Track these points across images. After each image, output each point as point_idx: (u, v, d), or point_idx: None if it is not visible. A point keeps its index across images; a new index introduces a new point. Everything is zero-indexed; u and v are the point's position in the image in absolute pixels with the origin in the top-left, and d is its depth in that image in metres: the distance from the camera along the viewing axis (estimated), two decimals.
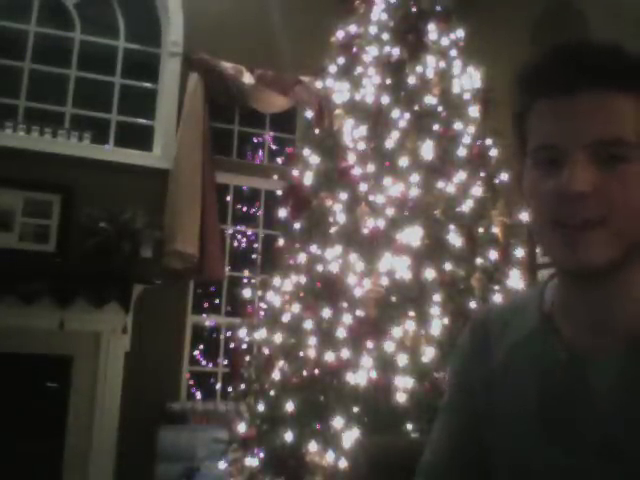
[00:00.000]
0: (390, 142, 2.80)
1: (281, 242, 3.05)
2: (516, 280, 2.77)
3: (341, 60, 3.16)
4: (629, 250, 0.69)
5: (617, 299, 0.72)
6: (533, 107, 0.74)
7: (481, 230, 2.80)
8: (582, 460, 0.69)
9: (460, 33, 3.15)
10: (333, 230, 2.76)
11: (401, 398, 2.31)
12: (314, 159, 2.99)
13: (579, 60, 0.71)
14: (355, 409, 2.37)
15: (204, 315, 4.37)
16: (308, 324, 2.63)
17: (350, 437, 2.28)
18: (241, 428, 2.77)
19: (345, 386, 2.41)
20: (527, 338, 0.78)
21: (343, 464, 2.28)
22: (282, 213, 3.00)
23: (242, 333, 3.00)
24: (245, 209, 4.64)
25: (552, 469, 0.71)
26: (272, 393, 2.72)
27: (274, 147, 4.74)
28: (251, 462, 2.66)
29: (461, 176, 2.82)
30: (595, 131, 0.68)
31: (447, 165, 2.82)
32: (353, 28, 3.18)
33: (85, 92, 4.33)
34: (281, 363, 2.75)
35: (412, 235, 2.58)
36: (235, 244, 4.57)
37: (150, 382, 3.92)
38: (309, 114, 3.29)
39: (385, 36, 3.06)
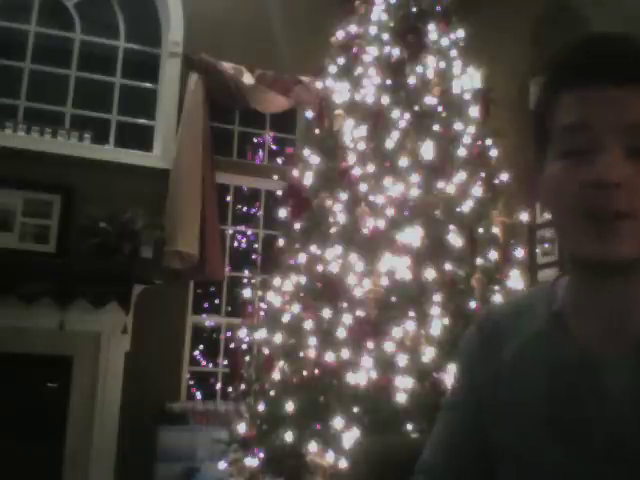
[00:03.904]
0: (390, 142, 2.80)
1: (281, 242, 3.05)
2: (516, 280, 2.77)
3: (341, 60, 3.17)
4: None
5: (635, 299, 0.71)
6: (561, 97, 0.72)
7: (481, 230, 2.80)
8: (589, 460, 0.69)
9: (460, 33, 3.15)
10: (333, 230, 2.76)
11: (401, 398, 2.32)
12: (314, 159, 2.99)
13: (615, 53, 0.69)
14: (355, 409, 2.37)
15: (204, 315, 4.37)
16: (308, 324, 2.63)
17: (350, 437, 2.28)
18: (241, 428, 2.77)
19: (345, 386, 2.42)
20: (537, 336, 0.77)
21: (343, 464, 2.28)
22: (282, 213, 3.01)
23: (242, 333, 3.01)
24: (245, 209, 4.64)
25: (559, 469, 0.71)
26: (272, 393, 2.72)
27: (274, 147, 4.73)
28: (251, 462, 2.66)
29: (461, 176, 2.82)
30: (630, 116, 0.68)
31: (447, 165, 2.82)
32: (353, 28, 3.18)
33: (85, 92, 4.33)
34: (281, 363, 2.75)
35: (412, 235, 2.58)
36: (235, 244, 4.57)
37: (150, 382, 3.91)
38: (309, 114, 3.29)
39: (385, 36, 3.06)
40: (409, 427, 2.29)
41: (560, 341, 0.75)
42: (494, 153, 3.00)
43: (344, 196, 2.79)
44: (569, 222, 0.70)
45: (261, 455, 2.64)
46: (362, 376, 2.39)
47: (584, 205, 0.68)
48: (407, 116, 2.87)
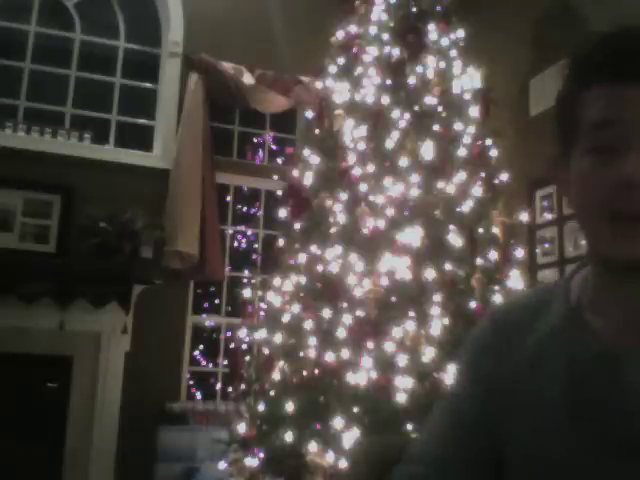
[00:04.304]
0: (390, 142, 2.80)
1: (281, 242, 3.05)
2: (516, 280, 2.77)
3: (341, 60, 3.16)
4: None
5: None
6: (591, 92, 0.70)
7: (481, 230, 2.80)
8: (608, 455, 0.67)
9: (460, 33, 3.15)
10: (333, 230, 2.76)
11: (401, 398, 2.32)
12: (314, 159, 2.99)
13: None
14: (355, 409, 2.37)
15: (204, 315, 4.37)
16: (308, 324, 2.63)
17: (350, 437, 2.28)
18: (241, 428, 2.77)
19: (345, 386, 2.42)
20: (554, 331, 0.76)
21: (343, 464, 2.28)
22: (282, 213, 3.00)
23: (242, 333, 3.00)
24: (245, 209, 4.64)
25: (576, 464, 0.69)
26: (272, 393, 2.72)
27: (274, 147, 4.74)
28: (251, 462, 2.66)
29: (461, 176, 2.82)
30: None
31: (447, 165, 2.82)
32: (353, 28, 3.18)
33: (85, 92, 4.33)
34: (281, 363, 2.75)
35: (412, 235, 2.58)
36: (235, 244, 4.57)
37: (150, 382, 3.92)
38: (309, 114, 3.29)
39: (385, 36, 3.06)
40: (409, 427, 2.29)
41: (578, 336, 0.73)
42: (494, 153, 3.00)
43: (344, 196, 2.78)
44: (596, 221, 0.69)
45: (261, 455, 2.64)
46: (362, 376, 2.39)
47: (612, 205, 0.67)
48: (407, 116, 2.87)
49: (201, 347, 4.35)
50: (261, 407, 2.74)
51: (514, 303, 0.89)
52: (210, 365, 4.35)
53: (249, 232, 4.60)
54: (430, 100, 2.92)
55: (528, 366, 0.77)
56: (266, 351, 2.86)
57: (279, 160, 4.58)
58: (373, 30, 3.09)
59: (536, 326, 0.79)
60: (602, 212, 0.68)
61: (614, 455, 0.67)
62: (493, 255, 2.77)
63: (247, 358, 3.06)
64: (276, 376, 2.74)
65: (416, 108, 2.91)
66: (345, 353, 2.47)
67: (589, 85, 0.70)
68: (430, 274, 2.54)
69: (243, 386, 2.97)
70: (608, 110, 0.68)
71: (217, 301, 4.45)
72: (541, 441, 0.72)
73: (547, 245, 3.63)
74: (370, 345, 2.45)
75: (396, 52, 3.01)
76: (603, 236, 0.69)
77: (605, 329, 0.72)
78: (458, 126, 2.94)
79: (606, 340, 0.71)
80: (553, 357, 0.75)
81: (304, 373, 2.61)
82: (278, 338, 2.77)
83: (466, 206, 2.78)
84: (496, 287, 2.71)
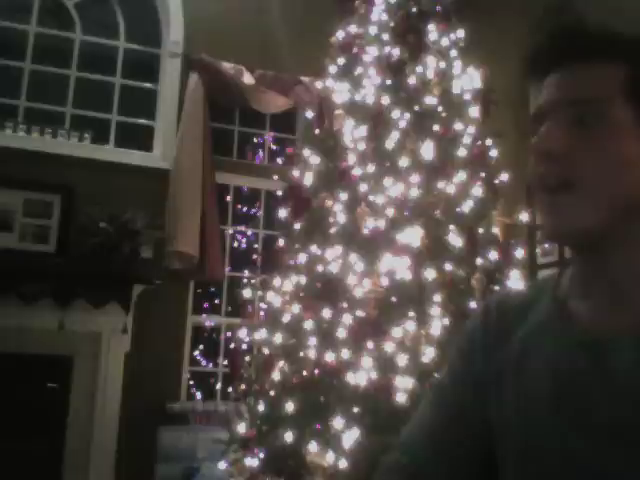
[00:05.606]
0: (390, 142, 2.80)
1: (281, 242, 3.05)
2: (516, 280, 2.77)
3: (341, 60, 3.16)
4: (620, 216, 0.68)
5: (627, 270, 0.70)
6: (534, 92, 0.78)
7: (481, 230, 2.80)
8: (596, 444, 0.67)
9: (460, 33, 3.15)
10: (333, 230, 2.76)
11: (401, 398, 2.31)
12: (314, 159, 2.99)
13: (558, 41, 0.75)
14: (355, 409, 2.37)
15: (204, 315, 4.37)
16: (308, 324, 2.63)
17: (350, 437, 2.28)
18: (241, 428, 2.77)
19: (345, 386, 2.41)
20: (542, 323, 0.77)
21: (343, 464, 2.28)
22: (282, 213, 3.00)
23: (242, 333, 3.00)
24: (245, 209, 4.64)
25: (565, 454, 0.69)
26: (272, 393, 2.72)
27: (274, 147, 4.74)
28: (251, 462, 2.66)
29: (461, 176, 2.82)
30: (570, 92, 0.71)
31: (447, 165, 2.81)
32: (353, 28, 3.18)
33: (85, 92, 4.33)
34: (281, 363, 2.75)
35: (412, 235, 2.58)
36: (235, 244, 4.57)
37: (150, 382, 3.92)
38: (309, 114, 3.29)
39: (385, 36, 3.05)
40: None
41: (563, 326, 0.74)
42: (494, 153, 3.00)
43: (344, 196, 2.78)
44: (535, 195, 0.73)
45: (261, 455, 2.64)
46: (362, 376, 2.39)
47: (534, 177, 0.71)
48: (407, 116, 2.87)
49: (201, 347, 4.35)
50: (261, 407, 2.74)
51: (507, 297, 0.88)
52: (210, 365, 4.35)
53: (249, 232, 4.61)
54: (430, 100, 2.92)
55: (515, 362, 0.77)
56: (266, 351, 2.86)
57: (279, 160, 4.58)
58: (373, 30, 3.08)
59: (525, 321, 0.79)
60: (535, 187, 0.72)
61: (606, 443, 0.66)
62: (493, 255, 2.77)
63: (247, 358, 3.06)
64: (276, 376, 2.74)
65: (416, 108, 2.90)
66: (345, 353, 2.47)
67: (531, 82, 0.78)
68: (430, 274, 2.54)
69: (243, 386, 2.97)
70: (536, 102, 0.75)
71: (217, 301, 4.45)
72: (535, 438, 0.72)
73: (547, 245, 3.63)
74: (370, 345, 2.44)
75: (396, 52, 3.00)
76: (539, 210, 0.72)
77: (589, 317, 0.72)
78: (458, 126, 2.93)
79: (590, 327, 0.71)
80: (538, 351, 0.75)
81: (304, 373, 2.61)
82: (278, 338, 2.77)
83: (466, 206, 2.77)
84: (496, 287, 2.71)
